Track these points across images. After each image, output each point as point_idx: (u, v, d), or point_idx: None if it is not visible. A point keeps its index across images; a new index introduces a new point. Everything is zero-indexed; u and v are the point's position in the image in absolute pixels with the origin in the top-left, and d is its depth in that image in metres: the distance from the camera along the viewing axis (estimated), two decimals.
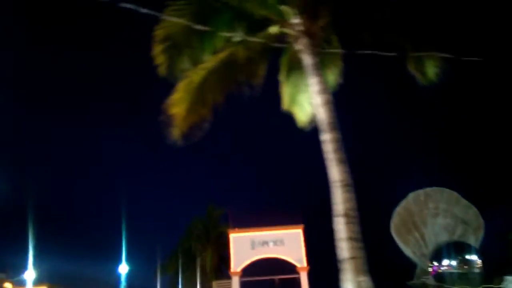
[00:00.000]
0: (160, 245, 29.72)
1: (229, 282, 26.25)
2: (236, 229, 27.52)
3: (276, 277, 26.44)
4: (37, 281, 19.04)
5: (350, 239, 5.02)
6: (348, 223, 5.11)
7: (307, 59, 6.63)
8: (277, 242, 26.82)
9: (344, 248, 5.03)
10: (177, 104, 8.02)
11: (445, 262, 22.81)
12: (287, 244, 26.63)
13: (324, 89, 6.29)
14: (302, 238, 26.77)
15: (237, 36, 7.42)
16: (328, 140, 5.81)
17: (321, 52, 6.94)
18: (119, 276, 31.91)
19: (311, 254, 26.39)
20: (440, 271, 21.85)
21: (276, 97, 9.20)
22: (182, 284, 30.18)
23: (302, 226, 27.07)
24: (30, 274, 22.08)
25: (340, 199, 5.28)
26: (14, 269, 20.31)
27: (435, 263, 22.20)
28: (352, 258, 4.94)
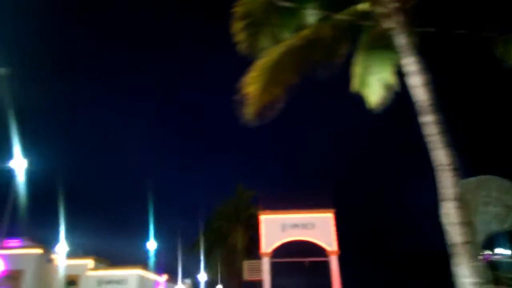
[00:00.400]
0: (189, 224, 30.20)
1: (259, 263, 26.52)
2: (267, 211, 27.64)
3: (306, 259, 26.55)
4: (80, 254, 19.63)
5: (463, 223, 4.91)
6: (459, 207, 4.99)
7: (401, 38, 6.40)
8: (308, 225, 26.87)
9: (456, 233, 4.92)
10: (252, 83, 7.93)
11: (498, 250, 22.50)
12: (318, 227, 26.66)
13: (423, 69, 6.07)
14: (333, 222, 26.74)
15: (321, 13, 7.23)
16: (430, 122, 5.64)
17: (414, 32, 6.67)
18: (147, 252, 32.71)
19: (341, 238, 26.38)
20: (492, 259, 21.57)
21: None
22: (208, 263, 30.80)
23: (333, 210, 27.00)
24: (62, 247, 22.86)
25: (449, 183, 5.15)
26: (52, 243, 20.96)
27: (487, 252, 21.92)
28: (466, 242, 4.83)
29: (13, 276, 16.39)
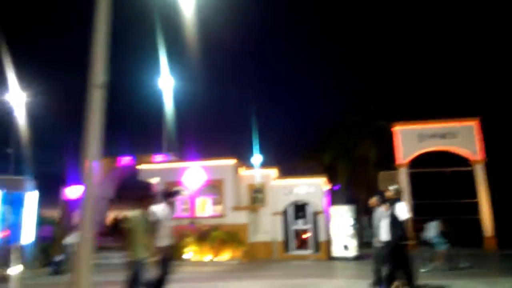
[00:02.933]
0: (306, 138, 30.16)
1: (395, 173, 26.40)
2: (402, 123, 26.78)
3: (448, 169, 25.94)
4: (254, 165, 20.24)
5: None
6: None
7: None
8: (448, 135, 25.84)
9: None
10: None
11: None
12: (460, 136, 25.54)
13: None
14: (476, 132, 25.46)
15: None
16: None
17: None
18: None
19: (487, 146, 25.17)
20: None
21: None
22: (333, 174, 31.25)
23: (477, 119, 25.53)
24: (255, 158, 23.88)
25: None
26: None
27: None
28: None
29: (215, 184, 17.29)
